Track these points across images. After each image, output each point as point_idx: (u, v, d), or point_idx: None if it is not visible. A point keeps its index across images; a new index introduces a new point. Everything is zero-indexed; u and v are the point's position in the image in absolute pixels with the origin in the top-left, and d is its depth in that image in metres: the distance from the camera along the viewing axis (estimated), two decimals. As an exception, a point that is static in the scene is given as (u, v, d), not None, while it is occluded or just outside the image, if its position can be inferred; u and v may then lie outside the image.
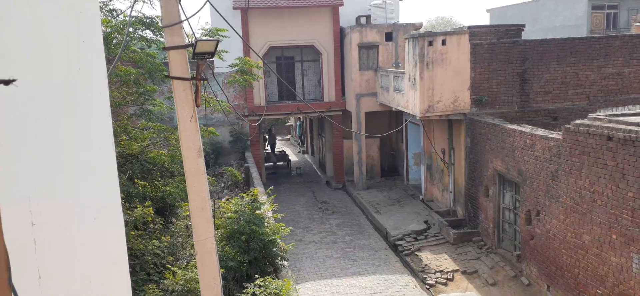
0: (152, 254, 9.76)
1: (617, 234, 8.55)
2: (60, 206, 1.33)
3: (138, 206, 9.85)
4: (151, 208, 10.19)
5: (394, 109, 18.79)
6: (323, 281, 13.25)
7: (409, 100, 16.06)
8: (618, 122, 8.50)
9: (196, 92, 5.40)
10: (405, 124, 19.53)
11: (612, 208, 8.60)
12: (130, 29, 10.99)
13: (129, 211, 9.68)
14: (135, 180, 11.38)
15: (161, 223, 10.82)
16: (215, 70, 19.46)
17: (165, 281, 8.79)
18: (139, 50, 10.19)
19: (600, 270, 9.09)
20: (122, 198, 9.92)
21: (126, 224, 9.26)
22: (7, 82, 0.87)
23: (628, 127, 8.14)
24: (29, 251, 1.14)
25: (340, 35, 21.67)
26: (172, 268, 9.12)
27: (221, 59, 12.31)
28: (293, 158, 31.02)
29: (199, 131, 5.48)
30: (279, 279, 9.91)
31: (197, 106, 5.43)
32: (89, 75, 1.57)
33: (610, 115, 9.23)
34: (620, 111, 9.80)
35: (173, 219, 12.22)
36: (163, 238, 10.38)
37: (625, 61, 14.94)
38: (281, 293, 8.58)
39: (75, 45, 1.46)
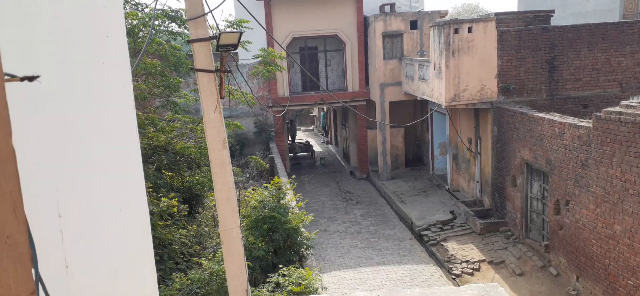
0: (179, 243, 9.96)
1: (650, 225, 8.30)
2: (86, 198, 1.36)
3: (163, 198, 10.04)
4: (176, 199, 10.38)
5: (418, 99, 18.59)
6: (348, 270, 13.28)
7: (434, 89, 15.86)
8: (652, 109, 8.22)
9: (220, 84, 5.45)
10: (430, 114, 19.31)
11: (646, 198, 8.35)
12: (156, 22, 11.14)
13: (156, 201, 9.89)
14: (163, 171, 11.60)
15: (187, 212, 11.01)
16: (239, 62, 19.62)
17: (191, 272, 8.96)
18: (164, 42, 10.33)
19: (632, 261, 8.85)
20: (149, 189, 10.16)
21: (153, 214, 9.46)
22: (31, 79, 0.90)
23: (663, 114, 7.87)
24: (56, 242, 1.18)
25: (364, 24, 21.51)
26: (199, 260, 9.28)
27: (246, 49, 12.39)
28: (317, 148, 31.07)
29: (224, 122, 5.54)
30: (303, 268, 9.99)
31: (221, 97, 5.49)
32: (112, 69, 1.59)
33: (643, 102, 8.93)
34: (654, 97, 9.49)
35: (200, 209, 12.44)
36: (190, 227, 10.57)
37: (660, 46, 14.41)
38: (304, 282, 8.65)
39: (98, 40, 1.48)
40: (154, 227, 9.48)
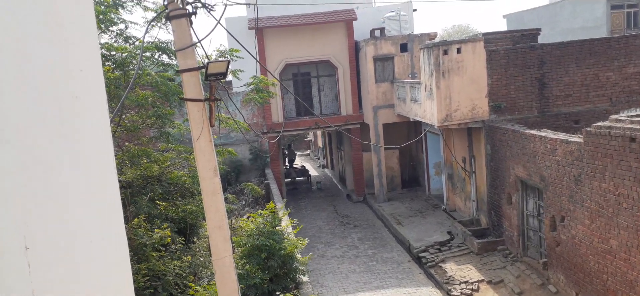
0: (173, 274, 9.85)
1: (645, 238, 8.29)
2: (57, 231, 1.37)
3: (157, 229, 9.98)
4: (169, 230, 10.30)
5: (412, 120, 18.69)
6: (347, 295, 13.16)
7: (427, 110, 15.96)
8: (640, 122, 8.29)
9: (210, 112, 5.48)
10: (424, 134, 19.39)
11: (639, 211, 8.36)
12: (147, 54, 11.22)
13: (150, 233, 9.81)
14: (157, 202, 11.54)
15: (182, 243, 10.92)
16: (233, 90, 19.73)
17: (187, 302, 8.85)
18: (153, 74, 10.40)
19: (629, 275, 8.81)
20: (144, 220, 10.09)
21: (146, 246, 9.39)
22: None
23: (651, 127, 7.94)
24: (23, 275, 1.18)
25: (355, 49, 21.74)
26: (194, 287, 9.19)
27: (237, 78, 12.48)
28: (313, 172, 31.05)
29: (214, 150, 5.55)
30: (300, 295, 9.88)
31: (212, 125, 5.51)
32: (86, 102, 1.61)
33: (632, 116, 9.01)
34: (642, 111, 9.57)
35: (194, 239, 12.34)
36: (184, 257, 10.48)
37: (647, 60, 14.60)
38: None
39: (70, 74, 1.50)
40: (147, 258, 9.38)
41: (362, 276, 14.36)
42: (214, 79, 5.64)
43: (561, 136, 10.99)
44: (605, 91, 14.59)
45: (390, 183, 22.05)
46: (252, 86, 12.55)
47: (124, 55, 10.08)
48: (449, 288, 12.84)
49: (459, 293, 12.51)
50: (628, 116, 8.92)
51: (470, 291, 12.51)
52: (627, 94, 14.62)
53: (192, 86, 5.65)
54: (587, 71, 14.50)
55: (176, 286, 10.11)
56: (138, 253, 9.55)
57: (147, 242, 9.39)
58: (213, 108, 5.44)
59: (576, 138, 10.30)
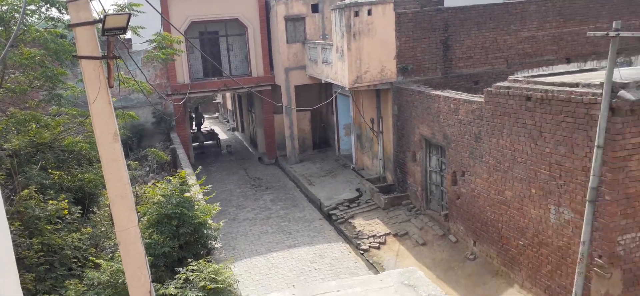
0: (72, 247, 9.10)
1: (536, 189, 9.05)
2: None
3: (51, 200, 9.11)
4: (66, 201, 9.47)
5: (323, 82, 18.72)
6: (259, 257, 13.13)
7: (338, 71, 16.03)
8: (535, 82, 8.91)
9: (108, 72, 4.93)
10: (335, 96, 19.55)
11: (532, 165, 9.08)
12: (32, 7, 9.96)
13: (43, 204, 8.92)
14: (49, 171, 10.51)
15: (80, 213, 10.10)
16: (134, 48, 18.35)
17: (88, 275, 8.23)
18: (41, 30, 9.26)
19: (521, 223, 9.63)
20: (35, 190, 9.13)
21: (40, 219, 8.57)
22: None
23: (544, 87, 8.55)
24: None
25: (266, 8, 21.13)
26: (96, 260, 8.56)
27: (138, 34, 11.53)
28: (223, 136, 30.29)
29: (114, 113, 5.03)
30: (213, 260, 9.61)
31: (110, 86, 4.97)
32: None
33: (528, 77, 9.66)
34: (536, 72, 10.30)
35: (94, 209, 11.49)
36: (84, 229, 9.71)
37: (539, 25, 15.75)
38: (218, 278, 8.29)
39: None
40: (41, 233, 8.56)
41: (274, 236, 14.39)
42: (113, 34, 5.07)
43: (463, 96, 11.56)
44: (502, 53, 15.57)
45: (301, 145, 22.12)
46: (154, 44, 11.67)
47: (4, 8, 8.86)
48: (358, 242, 13.29)
49: (368, 247, 13.00)
50: (525, 77, 9.56)
51: (378, 244, 13.04)
52: (521, 57, 15.73)
53: (87, 42, 5.04)
54: (487, 34, 15.34)
55: (76, 260, 9.37)
56: (30, 226, 8.67)
57: (41, 215, 8.55)
58: (111, 67, 4.90)
59: (477, 98, 10.89)
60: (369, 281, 6.52)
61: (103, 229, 10.22)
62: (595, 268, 7.82)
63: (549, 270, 8.96)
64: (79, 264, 9.37)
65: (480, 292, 10.25)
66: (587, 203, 7.61)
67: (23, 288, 7.21)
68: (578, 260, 7.87)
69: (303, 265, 12.46)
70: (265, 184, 19.48)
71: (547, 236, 8.94)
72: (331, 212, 15.40)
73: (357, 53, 14.72)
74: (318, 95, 22.52)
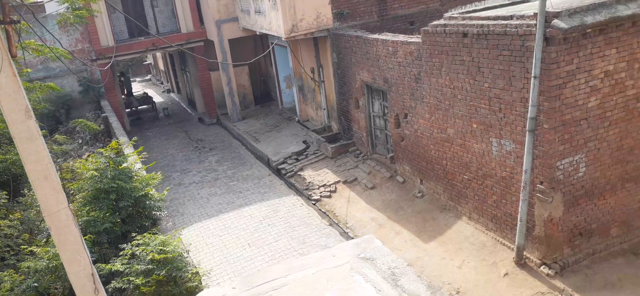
0: (1, 236, 8.42)
1: (477, 124, 9.21)
2: None
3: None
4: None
5: (258, 33, 18.05)
6: (210, 219, 12.83)
7: (272, 21, 15.46)
8: (471, 18, 8.88)
9: (8, 39, 4.32)
10: (271, 48, 18.97)
11: (472, 101, 9.19)
12: None
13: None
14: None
15: (6, 198, 9.32)
16: (48, 12, 16.80)
17: (23, 264, 7.66)
18: None
19: (465, 158, 9.84)
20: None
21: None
22: None
23: (480, 22, 8.54)
24: None
25: (190, -42, 19.87)
26: (30, 248, 7.96)
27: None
28: (158, 99, 29.00)
29: (22, 86, 4.46)
30: (159, 232, 9.23)
31: (13, 56, 4.38)
32: None
33: (463, 12, 9.63)
34: (470, 7, 10.30)
35: (24, 191, 10.68)
36: (12, 214, 8.99)
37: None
38: (166, 248, 7.95)
39: None
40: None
41: (224, 197, 14.07)
42: (9, -4, 4.42)
43: (401, 38, 11.45)
44: (436, -9, 15.52)
45: (243, 101, 21.52)
46: (66, 4, 10.62)
47: None
48: (309, 193, 13.24)
49: (319, 197, 13.00)
50: (460, 13, 9.51)
51: (329, 193, 13.05)
52: (454, -7, 15.74)
53: (-21, 6, 4.38)
54: (420, -28, 15.17)
55: (8, 248, 8.71)
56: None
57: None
58: (11, 34, 4.28)
59: (415, 39, 10.80)
60: (321, 260, 6.07)
61: (34, 212, 9.52)
62: (537, 194, 8.14)
63: (495, 200, 9.27)
64: (13, 253, 8.72)
65: (430, 227, 10.53)
66: (527, 132, 7.81)
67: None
68: (521, 188, 8.15)
69: (256, 222, 12.30)
70: (209, 145, 18.90)
71: (490, 168, 9.19)
72: (280, 167, 15.21)
73: (291, 1, 14.19)
74: (254, 48, 21.82)
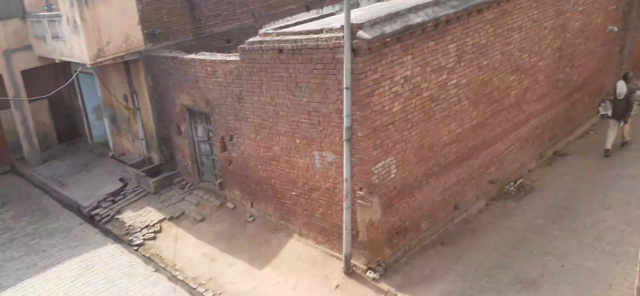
0: None
1: (300, 139, 9.23)
2: None
3: None
4: None
5: (58, 61, 15.91)
6: (6, 291, 10.62)
7: (74, 47, 13.77)
8: (285, 34, 8.89)
9: None
10: (75, 76, 16.86)
11: (293, 116, 9.18)
12: None
13: None
14: None
15: None
16: None
17: None
18: None
19: (291, 174, 9.79)
20: None
21: None
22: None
23: (294, 37, 8.59)
24: None
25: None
26: None
27: None
28: None
29: None
30: None
31: None
32: None
33: (278, 28, 9.63)
34: (283, 23, 10.39)
35: None
36: None
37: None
38: None
39: None
40: None
41: (23, 260, 11.82)
42: None
43: (219, 56, 11.04)
44: (248, 7, 15.49)
45: (43, 141, 18.66)
46: None
47: None
48: (130, 238, 11.91)
49: (142, 240, 11.76)
50: (274, 29, 9.48)
51: (153, 234, 11.91)
52: (266, 9, 15.88)
53: None
54: (230, -13, 14.98)
55: None
56: None
57: None
58: None
59: (233, 57, 10.49)
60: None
61: None
62: (358, 201, 8.40)
63: (321, 212, 9.36)
64: None
65: (264, 251, 10.21)
66: (344, 142, 8.01)
67: None
68: (344, 197, 8.32)
69: (67, 284, 10.57)
70: (1, 199, 15.84)
71: (315, 182, 9.26)
72: (93, 213, 13.41)
73: (94, 23, 12.79)
74: (55, 78, 19.17)
